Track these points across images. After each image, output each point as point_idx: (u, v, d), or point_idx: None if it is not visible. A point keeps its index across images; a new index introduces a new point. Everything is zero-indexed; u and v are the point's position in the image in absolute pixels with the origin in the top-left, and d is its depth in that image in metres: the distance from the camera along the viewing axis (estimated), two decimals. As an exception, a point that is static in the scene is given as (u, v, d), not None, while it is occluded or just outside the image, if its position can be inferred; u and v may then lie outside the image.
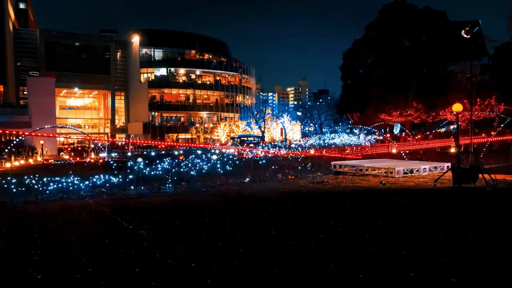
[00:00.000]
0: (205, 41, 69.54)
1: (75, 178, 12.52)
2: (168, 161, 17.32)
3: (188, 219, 7.31)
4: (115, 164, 17.62)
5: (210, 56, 69.87)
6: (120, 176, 12.86)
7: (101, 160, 25.60)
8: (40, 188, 11.50)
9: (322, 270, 4.35)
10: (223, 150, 25.22)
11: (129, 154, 34.13)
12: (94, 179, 12.78)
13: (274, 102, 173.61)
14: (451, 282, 3.83)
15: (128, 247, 5.41)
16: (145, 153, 32.18)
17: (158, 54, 66.42)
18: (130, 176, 12.78)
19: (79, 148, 48.03)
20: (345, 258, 4.73)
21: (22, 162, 34.76)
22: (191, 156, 19.87)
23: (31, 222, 7.67)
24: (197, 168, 16.71)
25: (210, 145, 30.06)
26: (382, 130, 57.61)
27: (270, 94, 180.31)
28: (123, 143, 46.08)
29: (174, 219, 7.43)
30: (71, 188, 11.83)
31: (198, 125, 65.60)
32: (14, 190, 10.74)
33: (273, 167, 17.73)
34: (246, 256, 5.02)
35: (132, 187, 12.16)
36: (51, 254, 5.37)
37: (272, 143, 46.98)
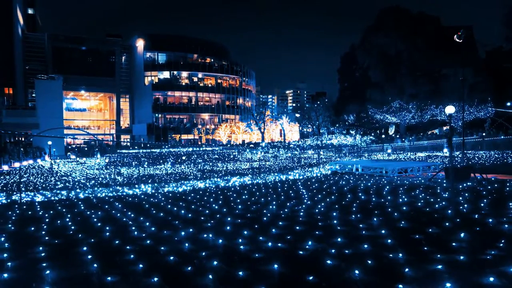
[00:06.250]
0: (207, 46, 71.44)
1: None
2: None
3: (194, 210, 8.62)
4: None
5: (212, 60, 71.76)
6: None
7: None
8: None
9: (320, 266, 4.71)
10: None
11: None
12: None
13: (273, 104, 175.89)
14: None
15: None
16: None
17: (161, 57, 68.41)
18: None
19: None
20: (342, 254, 5.12)
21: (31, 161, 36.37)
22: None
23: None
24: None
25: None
26: (378, 131, 59.61)
27: (269, 96, 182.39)
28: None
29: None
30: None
31: (200, 126, 67.58)
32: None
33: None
34: (246, 253, 5.30)
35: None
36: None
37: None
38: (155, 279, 4.46)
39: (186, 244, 5.87)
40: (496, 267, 4.58)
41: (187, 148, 45.23)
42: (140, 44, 66.61)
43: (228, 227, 6.94)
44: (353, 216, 7.61)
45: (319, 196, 10.36)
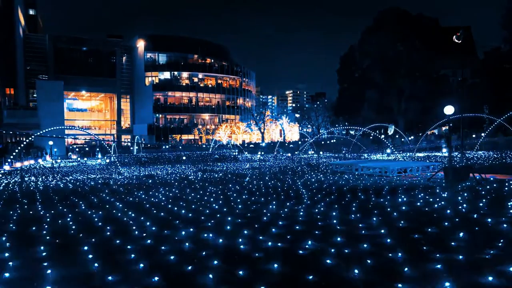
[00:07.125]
0: (207, 46, 71.59)
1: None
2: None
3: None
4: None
5: (212, 60, 71.92)
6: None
7: None
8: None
9: (319, 265, 4.78)
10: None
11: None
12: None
13: (273, 104, 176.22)
14: None
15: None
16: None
17: (162, 58, 68.58)
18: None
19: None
20: (342, 253, 5.20)
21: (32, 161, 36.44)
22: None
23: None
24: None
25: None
26: (377, 131, 59.65)
27: (269, 96, 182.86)
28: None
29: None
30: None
31: (200, 126, 67.71)
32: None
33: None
34: (246, 251, 5.35)
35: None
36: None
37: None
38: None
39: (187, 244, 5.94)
40: (495, 266, 4.62)
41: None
42: (140, 44, 66.72)
43: (228, 226, 7.00)
44: (353, 215, 7.65)
45: (319, 196, 10.39)
